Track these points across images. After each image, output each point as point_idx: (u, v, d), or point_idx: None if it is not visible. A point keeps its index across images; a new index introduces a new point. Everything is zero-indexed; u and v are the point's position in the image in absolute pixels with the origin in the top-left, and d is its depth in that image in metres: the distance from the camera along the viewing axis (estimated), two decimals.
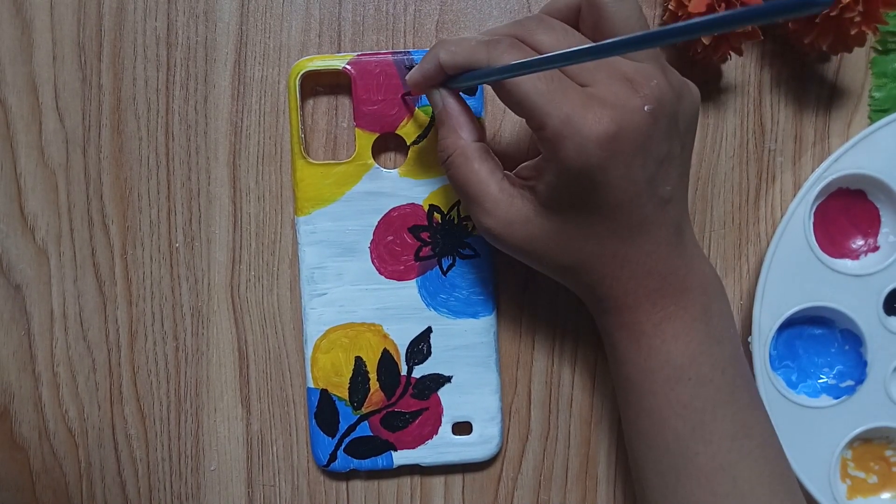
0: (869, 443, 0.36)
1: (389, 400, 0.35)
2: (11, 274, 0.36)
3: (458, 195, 0.31)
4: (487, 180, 0.29)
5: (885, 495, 0.36)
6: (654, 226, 0.28)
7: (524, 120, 0.27)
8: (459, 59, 0.28)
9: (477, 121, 0.30)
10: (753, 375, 0.34)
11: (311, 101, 0.35)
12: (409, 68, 0.34)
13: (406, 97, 0.34)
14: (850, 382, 0.35)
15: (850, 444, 0.36)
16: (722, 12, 0.17)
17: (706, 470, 0.29)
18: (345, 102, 0.35)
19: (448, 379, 0.35)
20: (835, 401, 0.35)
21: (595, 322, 0.32)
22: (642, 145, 0.26)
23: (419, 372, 0.35)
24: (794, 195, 0.35)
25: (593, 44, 0.22)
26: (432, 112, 0.34)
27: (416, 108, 0.34)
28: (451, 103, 0.30)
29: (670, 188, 0.28)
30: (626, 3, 0.28)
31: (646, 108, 0.26)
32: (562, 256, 0.29)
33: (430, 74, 0.29)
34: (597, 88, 0.27)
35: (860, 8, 0.31)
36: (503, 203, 0.29)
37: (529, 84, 0.26)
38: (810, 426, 0.35)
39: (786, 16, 0.16)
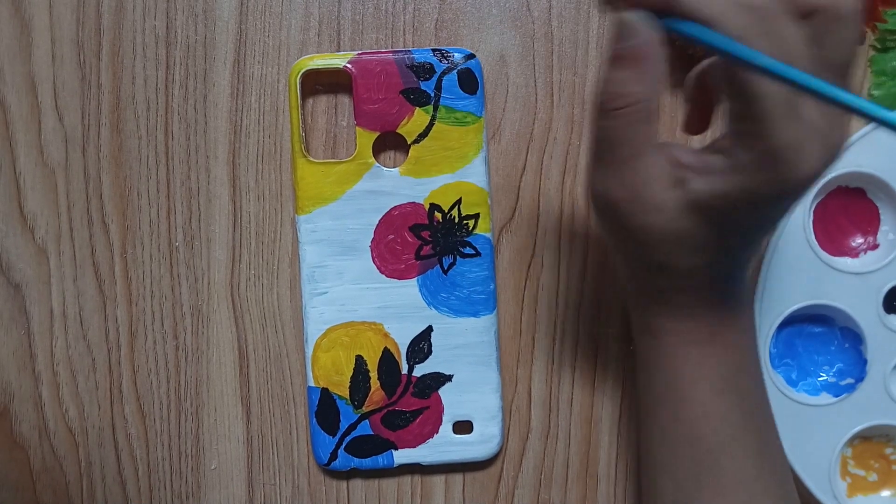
0: (869, 441, 0.36)
1: (390, 399, 0.35)
2: (11, 273, 0.36)
3: (597, 149, 0.26)
4: (648, 149, 0.25)
5: (886, 493, 0.36)
6: (755, 251, 0.28)
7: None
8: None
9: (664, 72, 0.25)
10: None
11: (310, 100, 0.35)
12: (410, 67, 0.34)
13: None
14: (850, 380, 0.35)
15: (850, 442, 0.36)
16: None
17: (727, 484, 0.28)
18: (344, 101, 0.35)
19: (449, 378, 0.35)
20: (835, 399, 0.35)
21: (631, 323, 0.31)
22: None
23: (420, 371, 0.35)
24: None
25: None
26: (433, 111, 0.34)
27: (417, 109, 0.34)
28: (655, 45, 0.23)
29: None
30: (853, 34, 0.24)
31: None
32: (668, 257, 0.26)
33: None
34: (811, 114, 0.23)
35: (859, 6, 0.31)
36: (648, 181, 0.24)
37: (771, 85, 0.22)
38: (810, 424, 0.35)
39: None
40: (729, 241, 0.26)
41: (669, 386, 0.29)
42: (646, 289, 0.30)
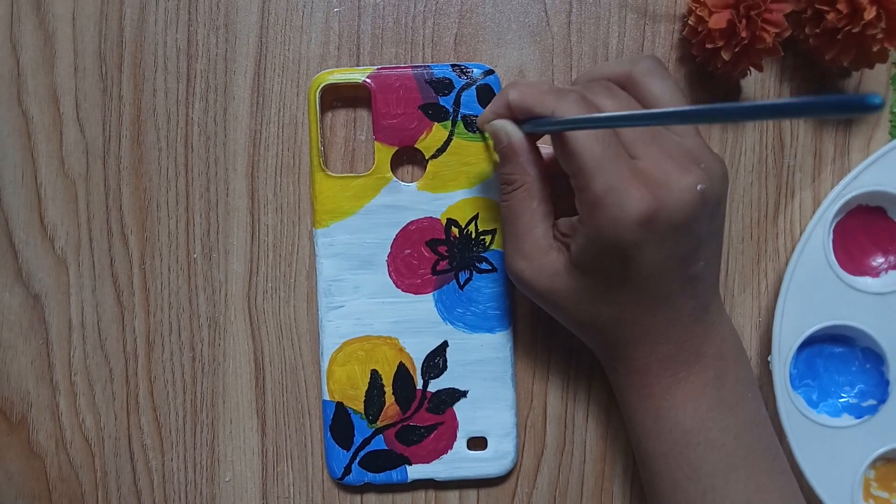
0: (892, 462, 0.36)
1: (405, 414, 0.35)
2: (31, 283, 0.36)
3: (504, 228, 0.31)
4: (538, 222, 0.30)
5: None
6: (679, 299, 0.28)
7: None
8: (527, 101, 0.29)
9: (542, 160, 0.31)
10: (775, 392, 0.34)
11: (329, 114, 0.35)
12: (429, 82, 0.34)
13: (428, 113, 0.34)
14: (872, 402, 0.35)
15: (873, 464, 0.35)
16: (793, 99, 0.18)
17: None
18: (363, 115, 0.35)
19: (464, 393, 0.35)
20: (857, 420, 0.35)
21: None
22: (684, 226, 0.27)
23: (435, 386, 0.35)
24: (814, 211, 0.34)
25: (662, 109, 0.23)
26: (451, 126, 0.34)
27: (435, 124, 0.34)
28: (522, 141, 0.30)
29: (703, 264, 0.29)
30: (663, 81, 0.29)
31: (699, 188, 0.26)
32: (580, 314, 0.30)
33: (499, 112, 0.30)
34: (646, 163, 0.27)
35: (883, 24, 0.31)
36: (541, 250, 0.29)
37: (585, 142, 0.26)
38: (832, 446, 0.34)
39: (838, 114, 0.17)
40: (622, 291, 0.28)
41: (640, 440, 0.31)
42: (596, 349, 0.32)
